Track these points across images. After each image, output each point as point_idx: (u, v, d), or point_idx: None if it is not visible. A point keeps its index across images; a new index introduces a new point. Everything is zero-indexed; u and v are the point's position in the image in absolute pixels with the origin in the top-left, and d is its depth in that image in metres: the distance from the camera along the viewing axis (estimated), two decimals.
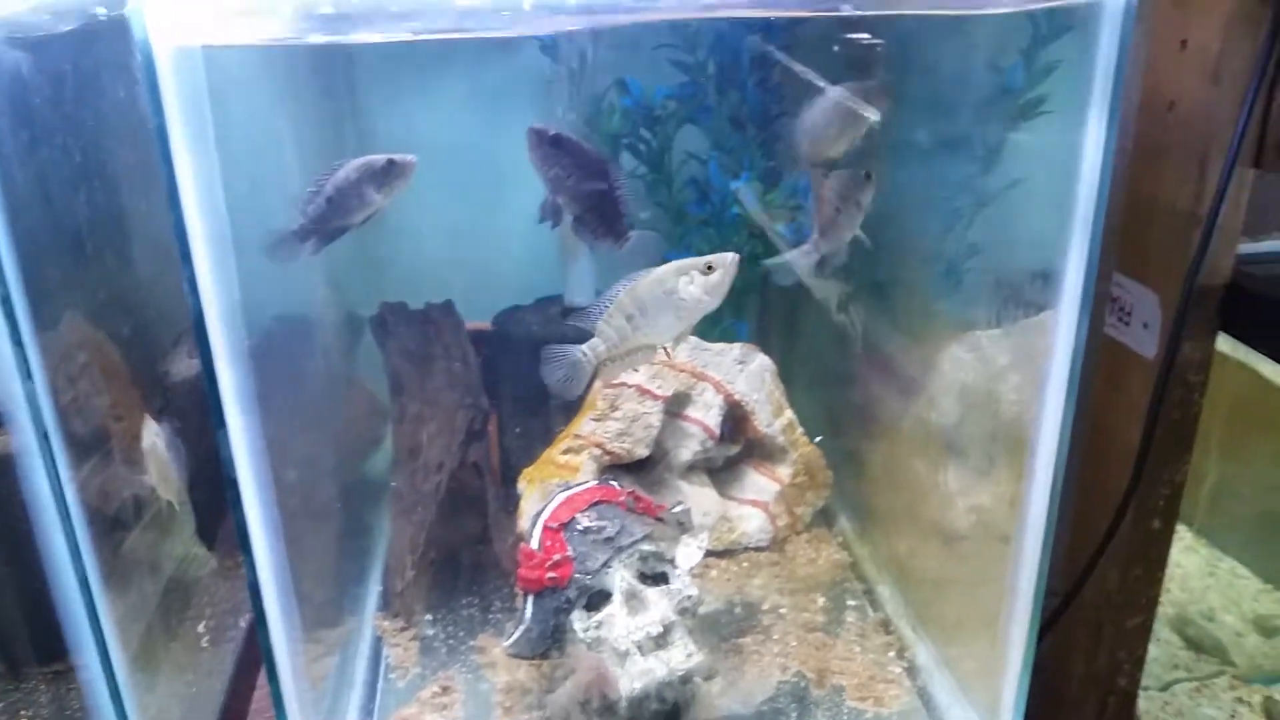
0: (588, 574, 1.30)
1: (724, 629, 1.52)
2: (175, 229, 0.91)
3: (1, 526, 1.19)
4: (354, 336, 1.81)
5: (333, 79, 1.76)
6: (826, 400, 1.86)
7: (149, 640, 1.36)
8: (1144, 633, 1.81)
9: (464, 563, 1.64)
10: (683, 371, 1.67)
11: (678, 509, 1.42)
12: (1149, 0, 1.52)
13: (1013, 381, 1.24)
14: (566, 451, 1.60)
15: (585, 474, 1.56)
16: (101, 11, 1.12)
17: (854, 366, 1.77)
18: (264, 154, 1.34)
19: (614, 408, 1.62)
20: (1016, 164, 1.31)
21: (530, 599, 1.35)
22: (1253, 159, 1.46)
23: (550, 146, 1.21)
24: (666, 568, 1.37)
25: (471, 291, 1.76)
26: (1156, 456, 1.61)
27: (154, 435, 1.28)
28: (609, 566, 1.32)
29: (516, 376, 1.73)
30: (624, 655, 1.27)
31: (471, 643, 1.50)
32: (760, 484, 1.74)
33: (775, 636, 1.50)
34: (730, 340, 1.73)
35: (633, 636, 1.28)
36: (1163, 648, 2.05)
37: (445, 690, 1.41)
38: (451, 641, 1.51)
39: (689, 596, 1.34)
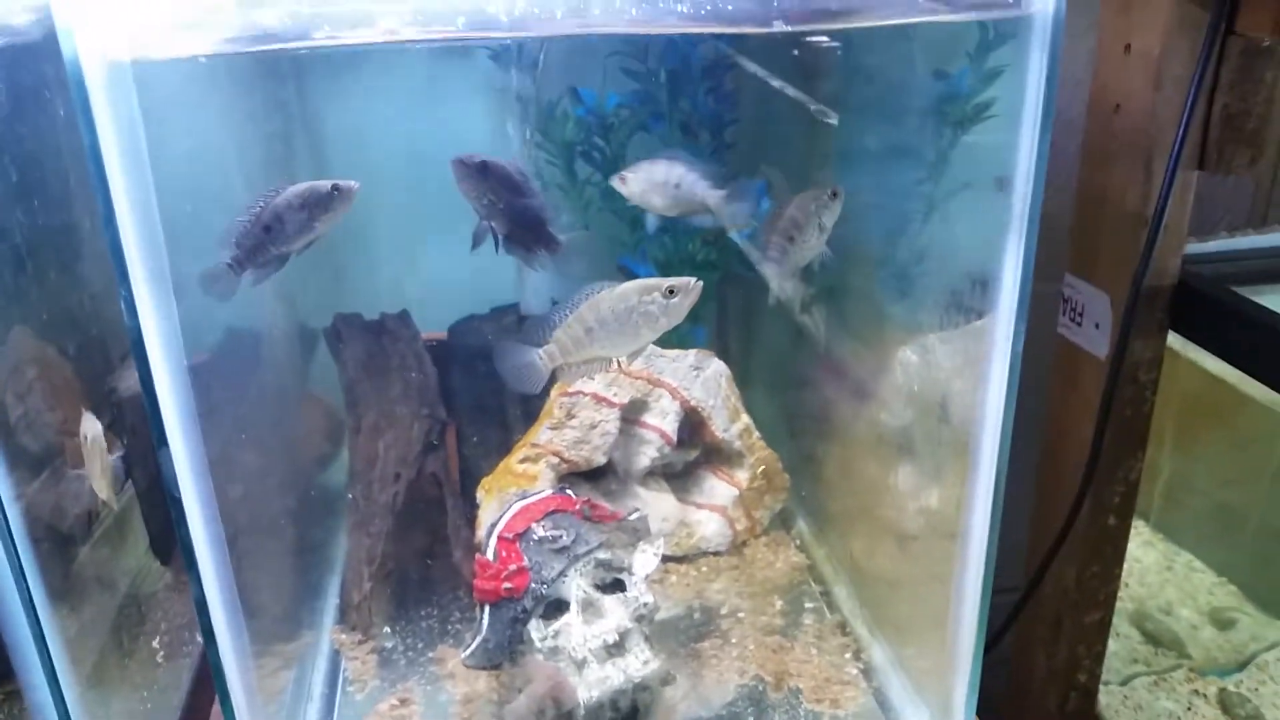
0: (544, 583, 1.31)
1: (682, 634, 1.52)
2: (110, 248, 0.90)
3: None
4: (308, 348, 1.80)
5: (282, 90, 1.74)
6: (783, 404, 1.87)
7: (102, 658, 1.35)
8: (1103, 628, 1.83)
9: (422, 574, 1.63)
10: (639, 378, 1.67)
11: (634, 516, 1.42)
12: (1094, 6, 1.55)
13: (958, 384, 1.26)
14: (524, 460, 1.59)
15: (543, 483, 1.56)
16: (23, 22, 1.10)
17: (810, 370, 1.78)
18: (207, 168, 1.32)
19: (570, 416, 1.62)
20: (963, 169, 1.32)
21: (487, 610, 1.36)
22: (1196, 161, 1.48)
23: (478, 175, 1.22)
24: (623, 575, 1.38)
25: (427, 301, 1.76)
26: (1111, 454, 1.63)
27: (91, 426, 1.26)
28: (565, 576, 1.33)
29: (474, 386, 1.73)
30: (581, 664, 1.28)
31: (430, 654, 1.50)
32: (718, 489, 1.74)
33: (734, 640, 1.51)
34: (687, 346, 1.73)
35: (589, 645, 1.29)
36: (1122, 642, 2.07)
37: (404, 702, 1.41)
38: (410, 653, 1.50)
39: (645, 604, 1.35)
